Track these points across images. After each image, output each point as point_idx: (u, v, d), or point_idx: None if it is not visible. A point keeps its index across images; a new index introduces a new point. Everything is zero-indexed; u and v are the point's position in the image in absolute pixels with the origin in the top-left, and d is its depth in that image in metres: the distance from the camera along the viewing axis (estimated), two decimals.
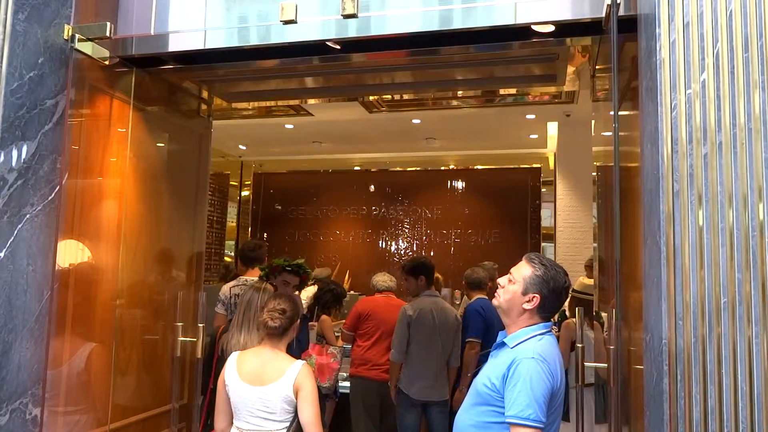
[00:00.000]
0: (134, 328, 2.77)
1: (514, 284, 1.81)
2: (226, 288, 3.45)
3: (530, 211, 7.30)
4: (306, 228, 8.06)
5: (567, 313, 4.35)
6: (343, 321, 4.24)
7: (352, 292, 6.52)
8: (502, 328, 1.91)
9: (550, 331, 1.84)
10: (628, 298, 1.90)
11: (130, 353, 2.74)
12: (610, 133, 2.04)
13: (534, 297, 1.81)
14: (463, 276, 4.11)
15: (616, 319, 1.89)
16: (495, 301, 1.85)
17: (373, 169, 8.12)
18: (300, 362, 2.21)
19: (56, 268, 2.32)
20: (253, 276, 3.49)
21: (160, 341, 2.92)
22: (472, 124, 6.38)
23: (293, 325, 2.29)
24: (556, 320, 4.65)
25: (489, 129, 6.53)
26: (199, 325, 2.88)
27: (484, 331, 3.61)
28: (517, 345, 1.78)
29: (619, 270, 1.90)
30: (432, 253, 7.57)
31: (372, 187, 8.09)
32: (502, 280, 1.85)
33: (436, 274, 4.71)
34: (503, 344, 1.83)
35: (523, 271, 1.82)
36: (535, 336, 1.79)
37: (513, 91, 4.55)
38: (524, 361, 1.71)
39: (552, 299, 1.81)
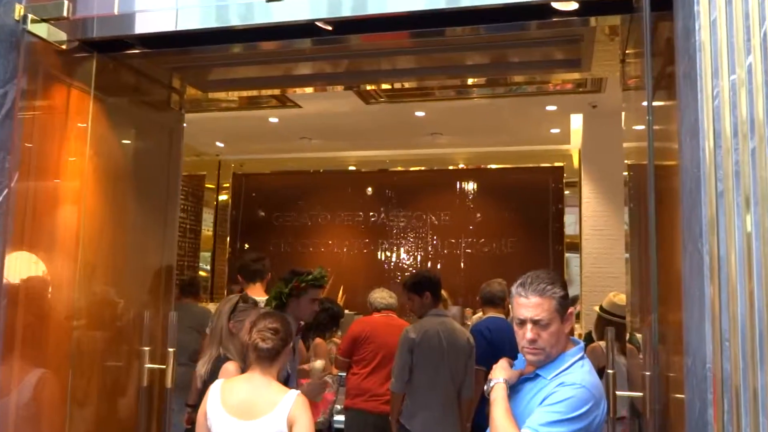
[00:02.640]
0: (94, 352, 2.76)
1: (550, 325, 1.80)
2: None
3: (552, 217, 7.31)
4: (293, 237, 8.05)
5: (593, 335, 4.36)
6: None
7: (346, 311, 6.50)
8: (516, 352, 1.91)
9: (584, 353, 1.85)
10: (667, 316, 1.89)
11: (88, 382, 2.73)
12: (643, 127, 2.05)
13: (569, 314, 1.84)
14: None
15: (652, 342, 1.88)
16: (533, 357, 1.83)
17: (370, 169, 8.12)
18: (294, 392, 2.19)
19: (3, 282, 2.31)
20: (257, 294, 3.46)
21: (124, 368, 2.91)
22: (484, 117, 6.38)
23: (286, 348, 2.28)
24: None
25: (503, 122, 6.54)
26: (170, 350, 2.87)
27: (491, 356, 3.57)
28: (558, 375, 1.79)
29: (656, 284, 1.89)
30: (439, 266, 7.56)
31: (369, 189, 8.09)
32: (530, 334, 1.81)
33: (443, 291, 4.70)
34: (536, 376, 1.83)
35: (547, 305, 1.81)
36: (576, 362, 1.81)
37: (531, 78, 4.57)
38: (571, 387, 1.73)
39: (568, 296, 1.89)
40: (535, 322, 1.82)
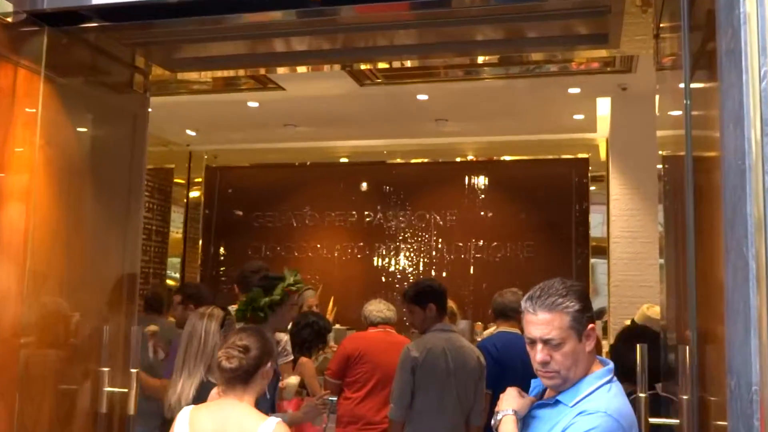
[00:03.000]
0: (45, 374, 2.75)
1: (563, 344, 1.80)
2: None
3: (575, 217, 7.31)
4: (276, 240, 8.05)
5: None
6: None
7: (337, 326, 6.51)
8: (529, 373, 1.91)
9: (614, 375, 1.84)
10: (707, 331, 1.89)
11: (39, 408, 2.72)
12: (679, 113, 2.05)
13: (590, 330, 1.82)
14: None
15: (690, 360, 1.88)
16: (548, 382, 1.83)
17: (365, 162, 8.12)
18: (273, 420, 2.19)
19: None
20: None
21: (80, 392, 2.90)
22: (497, 102, 6.38)
23: (261, 368, 2.29)
24: None
25: (519, 107, 6.55)
26: (132, 371, 2.87)
27: (497, 376, 3.59)
28: (579, 401, 1.78)
29: (694, 294, 1.89)
30: (444, 274, 7.56)
31: (364, 185, 8.09)
32: (540, 355, 1.81)
33: (450, 303, 4.71)
34: (556, 402, 1.82)
35: (559, 322, 1.81)
36: (602, 386, 1.80)
37: (551, 56, 4.57)
38: (593, 416, 1.71)
39: (593, 311, 1.89)
40: (545, 342, 1.81)
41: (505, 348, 3.75)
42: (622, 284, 6.13)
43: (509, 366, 3.61)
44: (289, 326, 4.58)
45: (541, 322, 1.82)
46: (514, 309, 3.94)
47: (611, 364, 1.87)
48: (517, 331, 3.91)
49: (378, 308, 4.33)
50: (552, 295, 1.83)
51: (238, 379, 2.25)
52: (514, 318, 3.94)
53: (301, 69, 3.99)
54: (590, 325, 1.83)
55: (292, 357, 4.11)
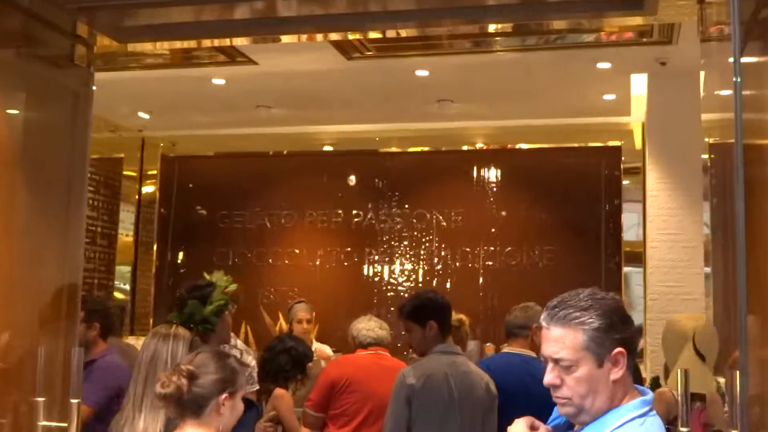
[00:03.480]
0: None
1: (576, 367, 1.81)
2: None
3: (605, 217, 7.32)
4: (246, 244, 8.04)
5: (662, 379, 4.39)
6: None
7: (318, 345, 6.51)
8: (538, 401, 1.91)
9: (652, 408, 1.85)
10: (761, 353, 1.90)
11: None
12: (729, 92, 2.05)
13: (619, 356, 1.81)
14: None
15: (741, 386, 1.89)
16: (561, 410, 1.85)
17: (353, 151, 8.10)
18: None
19: None
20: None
21: (10, 426, 2.89)
22: (511, 79, 6.37)
23: (216, 399, 2.31)
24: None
25: (538, 86, 6.55)
26: (73, 401, 2.86)
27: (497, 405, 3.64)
28: None
29: (745, 309, 1.90)
30: (448, 285, 7.57)
31: (352, 178, 8.07)
32: (549, 376, 1.83)
33: (459, 316, 4.72)
34: None
35: (572, 340, 1.81)
36: (632, 420, 1.80)
37: (576, 24, 4.56)
38: None
39: (633, 333, 1.85)
40: (555, 362, 1.82)
41: (501, 371, 3.77)
42: (661, 297, 6.13)
43: (507, 392, 3.64)
44: (261, 351, 4.59)
45: (553, 338, 1.83)
46: (522, 326, 3.95)
47: (650, 395, 1.87)
48: (522, 351, 3.93)
49: (368, 326, 4.33)
50: (570, 307, 1.83)
51: (186, 410, 2.28)
52: (521, 336, 3.95)
53: (276, 39, 3.98)
54: (617, 349, 1.80)
55: (257, 387, 4.12)
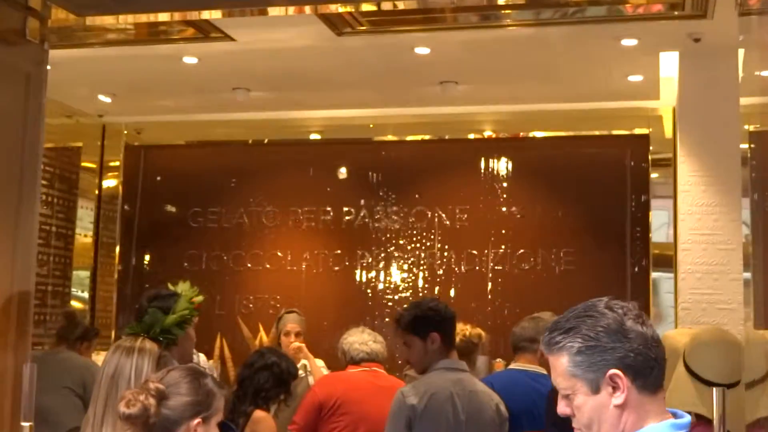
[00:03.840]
0: None
1: (573, 395, 1.85)
2: None
3: (630, 215, 7.32)
4: (222, 246, 8.03)
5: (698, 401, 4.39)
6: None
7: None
8: (552, 424, 1.94)
9: None
10: None
11: None
12: None
13: (614, 378, 1.81)
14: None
15: None
16: None
17: (344, 139, 8.09)
18: None
19: None
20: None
21: None
22: (524, 58, 6.38)
23: (186, 425, 2.32)
24: None
25: (554, 66, 6.55)
26: (24, 424, 2.86)
27: None
28: None
29: None
30: (452, 293, 7.57)
31: (343, 171, 8.07)
32: (560, 407, 1.88)
33: (477, 331, 4.73)
34: None
35: (560, 367, 1.86)
36: None
37: None
38: None
39: (633, 351, 1.82)
40: (561, 392, 1.88)
41: (505, 390, 3.79)
42: (695, 307, 6.13)
43: (510, 413, 3.67)
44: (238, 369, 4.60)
45: (551, 366, 1.90)
46: (531, 339, 3.98)
47: (685, 418, 1.86)
48: (529, 368, 3.95)
49: (361, 340, 4.34)
50: (555, 330, 1.88)
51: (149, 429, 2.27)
52: (530, 351, 3.98)
53: (256, 12, 3.98)
54: (610, 371, 1.81)
55: None
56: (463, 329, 4.25)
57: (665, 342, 3.39)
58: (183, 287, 3.46)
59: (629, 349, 1.82)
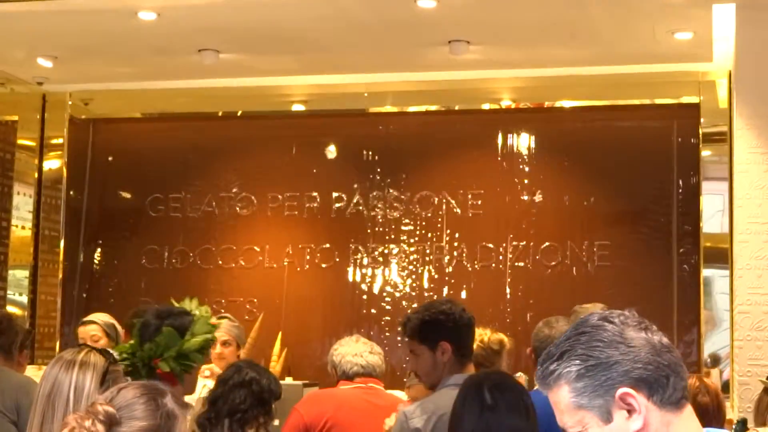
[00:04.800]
0: None
1: (588, 431, 1.86)
2: None
3: (677, 200, 7.33)
4: (186, 240, 8.05)
5: (754, 420, 4.42)
6: None
7: (289, 380, 6.51)
8: None
9: None
10: None
11: None
12: None
13: (625, 398, 1.81)
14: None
15: None
16: None
17: (333, 111, 8.11)
18: None
19: None
20: None
21: None
22: (549, 12, 6.37)
23: None
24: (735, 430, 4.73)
25: (585, 21, 6.54)
26: None
27: None
28: None
29: None
30: (464, 294, 7.58)
31: (332, 149, 8.07)
32: None
33: (499, 336, 4.71)
34: None
35: (563, 403, 1.87)
36: None
37: None
38: None
39: (642, 362, 1.82)
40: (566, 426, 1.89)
41: (548, 416, 3.78)
42: (755, 309, 6.13)
43: None
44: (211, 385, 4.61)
45: (552, 404, 1.90)
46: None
47: None
48: None
49: (355, 351, 4.34)
50: (548, 359, 1.89)
51: None
52: None
53: None
54: (620, 391, 1.81)
55: None
56: (481, 334, 4.22)
57: None
58: (193, 306, 3.54)
59: (635, 360, 1.82)
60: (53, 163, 8.27)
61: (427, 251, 7.70)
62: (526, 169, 7.67)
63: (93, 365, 2.85)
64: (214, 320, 3.55)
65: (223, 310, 7.64)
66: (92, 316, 5.79)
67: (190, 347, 3.38)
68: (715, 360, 6.51)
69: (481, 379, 3.37)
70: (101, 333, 5.49)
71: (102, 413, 2.27)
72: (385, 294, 7.74)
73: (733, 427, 4.88)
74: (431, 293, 7.59)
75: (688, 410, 1.85)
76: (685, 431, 1.85)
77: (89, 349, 2.97)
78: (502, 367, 4.43)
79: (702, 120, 7.30)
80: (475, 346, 4.03)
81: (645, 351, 1.83)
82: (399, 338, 6.72)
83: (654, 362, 1.82)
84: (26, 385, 4.83)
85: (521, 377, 6.50)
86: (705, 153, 7.27)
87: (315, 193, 7.90)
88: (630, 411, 1.81)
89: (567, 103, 7.83)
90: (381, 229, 7.79)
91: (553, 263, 7.49)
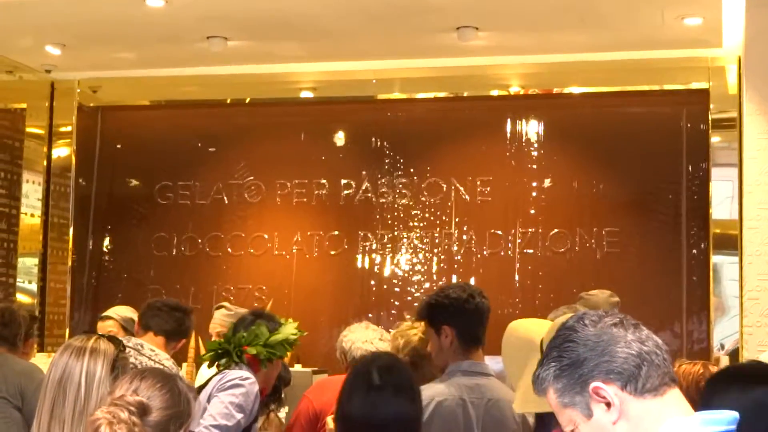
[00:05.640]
0: None
1: (577, 428, 1.92)
2: None
3: (687, 186, 7.31)
4: (196, 227, 8.05)
5: None
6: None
7: (298, 367, 6.53)
8: None
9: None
10: None
11: None
12: None
13: (597, 391, 1.87)
14: None
15: None
16: None
17: (342, 98, 8.09)
18: None
19: None
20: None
21: None
22: None
23: None
24: None
25: (594, 7, 6.52)
26: None
27: None
28: None
29: None
30: (472, 281, 7.53)
31: (340, 136, 8.07)
32: None
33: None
34: None
35: (552, 402, 1.95)
36: None
37: None
38: None
39: (612, 359, 1.87)
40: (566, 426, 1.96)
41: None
42: (764, 296, 6.10)
43: None
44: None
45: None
46: None
47: (720, 416, 1.87)
48: None
49: (365, 337, 4.34)
50: (538, 367, 1.98)
51: None
52: None
53: None
54: (592, 385, 1.87)
55: None
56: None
57: (516, 332, 3.47)
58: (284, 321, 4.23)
59: (603, 353, 1.89)
60: (62, 150, 8.28)
61: (436, 238, 7.69)
62: (535, 155, 7.65)
63: (103, 352, 2.86)
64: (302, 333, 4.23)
65: (231, 298, 7.69)
66: (110, 312, 5.79)
67: (276, 339, 3.99)
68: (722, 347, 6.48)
69: (370, 360, 3.43)
70: (117, 328, 5.50)
71: (135, 404, 2.29)
72: (393, 281, 7.74)
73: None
74: (440, 280, 7.59)
75: (672, 394, 1.89)
76: (668, 416, 1.87)
77: (98, 336, 2.98)
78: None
79: (711, 106, 7.27)
80: (417, 337, 4.10)
81: (614, 345, 1.89)
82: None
83: (623, 353, 1.88)
84: (30, 372, 4.86)
85: None
86: (714, 139, 7.25)
87: (324, 180, 7.91)
88: (608, 404, 1.87)
89: (576, 90, 7.82)
90: (390, 216, 7.79)
91: (562, 250, 7.48)
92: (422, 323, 4.04)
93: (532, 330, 3.40)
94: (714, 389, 2.79)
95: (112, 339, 2.97)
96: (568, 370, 1.90)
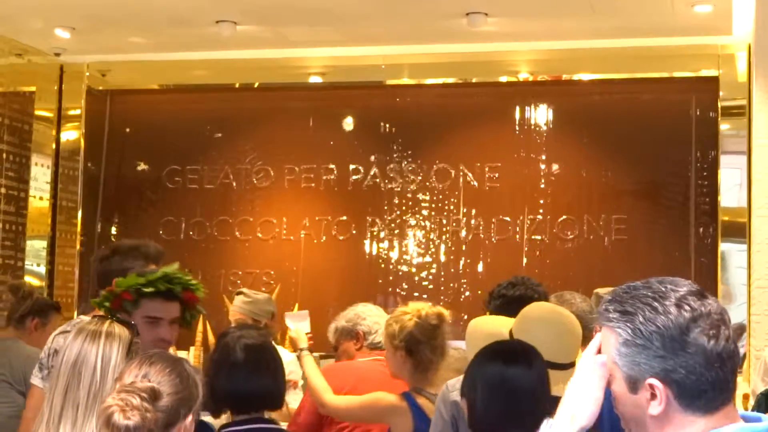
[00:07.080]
0: None
1: (614, 380, 1.88)
2: (51, 337, 3.76)
3: (695, 174, 7.29)
4: (204, 211, 8.06)
5: None
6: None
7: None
8: None
9: None
10: None
11: None
12: None
13: (653, 387, 1.81)
14: None
15: None
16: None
17: (351, 83, 8.09)
18: None
19: None
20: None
21: None
22: None
23: (177, 426, 2.32)
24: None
25: None
26: None
27: None
28: None
29: None
30: (480, 267, 7.60)
31: (349, 120, 8.05)
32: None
33: (423, 309, 4.66)
34: None
35: (607, 342, 1.90)
36: None
37: None
38: None
39: (683, 366, 1.79)
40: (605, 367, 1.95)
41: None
42: None
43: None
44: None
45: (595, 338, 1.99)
46: None
47: (760, 424, 1.83)
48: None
49: (377, 319, 4.31)
50: (614, 301, 1.90)
51: None
52: None
53: None
54: (648, 380, 1.81)
55: None
56: (418, 309, 4.08)
57: (482, 328, 3.49)
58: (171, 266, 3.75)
59: (682, 365, 1.80)
60: (71, 134, 8.28)
61: (444, 224, 7.70)
62: (544, 142, 7.65)
63: (119, 336, 2.84)
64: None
65: (239, 282, 7.69)
66: None
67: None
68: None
69: (236, 337, 3.54)
70: None
71: (146, 390, 2.27)
72: (401, 266, 7.74)
73: (754, 401, 4.87)
74: (448, 266, 7.61)
75: (722, 412, 1.82)
76: (707, 428, 1.81)
77: (111, 319, 2.97)
78: (442, 341, 4.36)
79: (721, 93, 7.26)
80: (412, 322, 4.01)
81: (695, 360, 1.80)
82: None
83: (698, 374, 1.79)
84: (36, 358, 4.87)
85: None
86: (724, 126, 7.24)
87: (332, 165, 7.90)
88: (653, 396, 1.82)
89: (585, 76, 7.80)
90: (398, 201, 7.79)
91: (570, 237, 7.48)
92: (418, 308, 4.00)
93: (499, 324, 3.51)
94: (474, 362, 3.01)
95: (126, 323, 2.96)
96: (639, 349, 1.83)
